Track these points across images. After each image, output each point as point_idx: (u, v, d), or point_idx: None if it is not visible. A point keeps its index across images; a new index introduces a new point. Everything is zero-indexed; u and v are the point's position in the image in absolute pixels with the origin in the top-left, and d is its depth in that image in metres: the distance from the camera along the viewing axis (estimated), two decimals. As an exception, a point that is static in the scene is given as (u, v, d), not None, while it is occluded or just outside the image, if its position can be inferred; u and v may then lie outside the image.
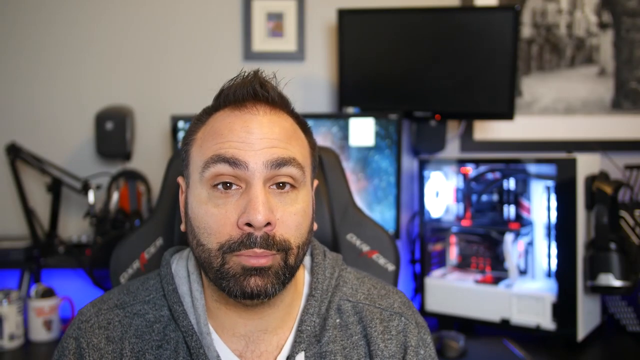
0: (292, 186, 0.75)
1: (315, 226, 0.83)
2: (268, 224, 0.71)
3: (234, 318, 0.79)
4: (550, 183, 1.59)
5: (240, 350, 0.79)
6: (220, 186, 0.73)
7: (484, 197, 1.73)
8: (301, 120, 0.82)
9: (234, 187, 0.73)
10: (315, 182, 0.86)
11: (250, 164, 0.72)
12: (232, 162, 0.72)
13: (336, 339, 0.81)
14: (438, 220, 1.80)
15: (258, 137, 0.74)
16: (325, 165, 1.19)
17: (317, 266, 0.85)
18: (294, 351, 0.78)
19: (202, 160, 0.75)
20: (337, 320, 0.82)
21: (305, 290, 0.84)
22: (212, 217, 0.73)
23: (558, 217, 1.53)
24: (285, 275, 0.74)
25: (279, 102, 0.78)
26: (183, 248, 0.90)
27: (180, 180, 0.84)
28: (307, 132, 0.83)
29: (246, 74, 0.79)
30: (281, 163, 0.73)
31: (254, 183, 0.72)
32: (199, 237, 0.74)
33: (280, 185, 0.74)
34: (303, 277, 0.86)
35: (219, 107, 0.78)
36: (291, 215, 0.74)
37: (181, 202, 0.83)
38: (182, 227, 0.81)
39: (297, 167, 0.75)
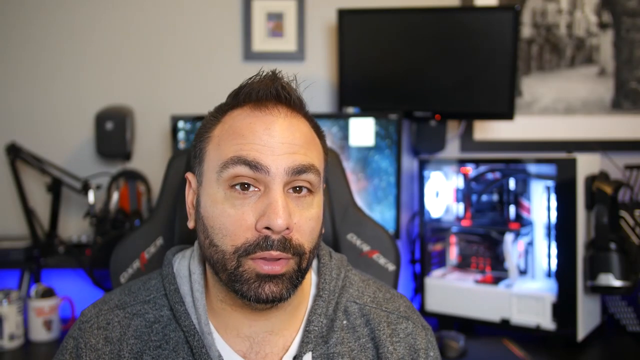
0: (309, 190, 0.75)
1: (324, 229, 0.83)
2: (286, 228, 0.71)
3: (239, 319, 0.79)
4: (550, 183, 1.59)
5: (244, 351, 0.78)
6: (238, 187, 0.72)
7: (484, 197, 1.73)
8: (316, 124, 0.81)
9: (251, 188, 0.72)
10: (323, 186, 0.86)
11: (271, 168, 0.72)
12: (253, 165, 0.71)
13: (344, 341, 0.81)
14: (438, 220, 1.80)
15: (279, 141, 0.73)
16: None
17: (324, 267, 0.85)
18: (302, 351, 0.78)
19: (220, 159, 0.74)
20: (344, 322, 0.82)
21: (312, 290, 0.84)
22: (229, 217, 0.72)
23: (558, 217, 1.53)
24: (299, 279, 0.74)
25: (298, 105, 0.78)
26: (185, 247, 0.89)
27: (190, 176, 0.82)
28: (321, 136, 0.82)
29: (265, 73, 0.78)
30: (301, 170, 0.73)
31: (274, 187, 0.72)
32: (212, 237, 0.73)
33: (297, 190, 0.74)
34: (310, 277, 0.85)
35: (238, 104, 0.77)
36: (307, 221, 0.74)
37: (189, 199, 0.81)
38: (191, 225, 0.80)
39: (316, 174, 0.75)
